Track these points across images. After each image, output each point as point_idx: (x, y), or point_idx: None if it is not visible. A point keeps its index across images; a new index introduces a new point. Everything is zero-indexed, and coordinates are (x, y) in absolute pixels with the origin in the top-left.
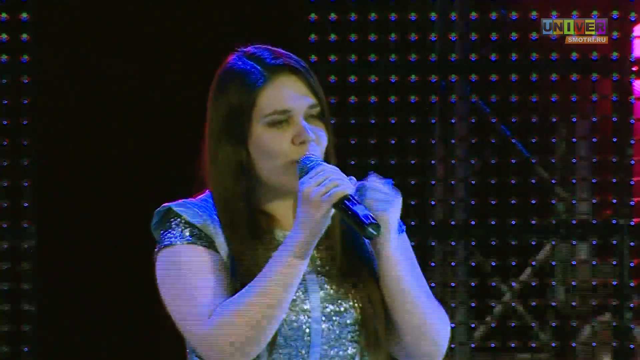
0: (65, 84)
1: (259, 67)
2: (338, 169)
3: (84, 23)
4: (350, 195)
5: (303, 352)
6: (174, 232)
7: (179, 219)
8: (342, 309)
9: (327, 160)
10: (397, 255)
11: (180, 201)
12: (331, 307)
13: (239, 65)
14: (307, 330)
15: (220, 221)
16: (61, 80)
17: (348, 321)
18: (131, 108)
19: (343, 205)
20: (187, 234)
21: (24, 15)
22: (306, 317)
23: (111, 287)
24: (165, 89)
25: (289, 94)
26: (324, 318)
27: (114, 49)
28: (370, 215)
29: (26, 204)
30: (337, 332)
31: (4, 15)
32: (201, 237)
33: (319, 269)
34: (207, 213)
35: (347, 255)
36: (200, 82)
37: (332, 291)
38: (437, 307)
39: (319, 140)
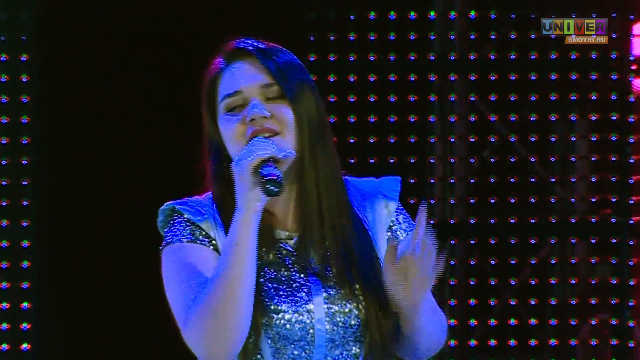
0: (65, 82)
1: (219, 59)
2: (269, 141)
3: (83, 21)
4: (267, 159)
5: (307, 352)
6: (176, 230)
7: (181, 217)
8: (346, 309)
9: (309, 139)
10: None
11: (183, 199)
12: (335, 307)
13: (212, 63)
14: (311, 330)
15: (220, 220)
16: (61, 78)
17: (352, 322)
18: (131, 106)
19: (259, 170)
20: (188, 232)
21: (24, 15)
22: (310, 317)
23: (111, 285)
24: (165, 87)
25: (239, 76)
26: (327, 319)
27: (114, 47)
28: (274, 174)
29: (26, 202)
30: (342, 332)
31: (4, 15)
32: (202, 236)
33: (321, 270)
34: (210, 211)
35: (350, 257)
36: (200, 81)
37: (336, 292)
38: (440, 316)
39: (279, 117)
